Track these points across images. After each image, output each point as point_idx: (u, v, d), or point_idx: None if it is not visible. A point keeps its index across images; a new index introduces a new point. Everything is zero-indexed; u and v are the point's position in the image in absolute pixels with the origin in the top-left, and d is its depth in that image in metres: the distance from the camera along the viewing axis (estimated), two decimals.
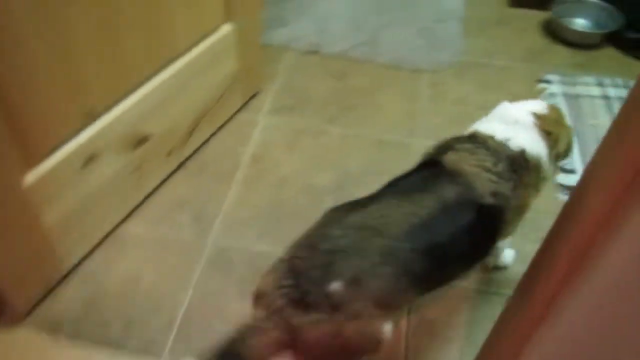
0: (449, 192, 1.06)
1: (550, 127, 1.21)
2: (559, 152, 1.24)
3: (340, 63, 2.32)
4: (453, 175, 1.09)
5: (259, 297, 1.00)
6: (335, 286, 0.94)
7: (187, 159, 1.81)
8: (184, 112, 1.68)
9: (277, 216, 1.68)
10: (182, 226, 1.62)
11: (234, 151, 1.87)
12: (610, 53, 2.44)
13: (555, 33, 2.50)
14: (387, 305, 0.99)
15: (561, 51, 2.44)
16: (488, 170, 1.09)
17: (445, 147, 1.18)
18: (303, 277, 0.96)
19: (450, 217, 1.04)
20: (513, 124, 1.18)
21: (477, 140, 1.17)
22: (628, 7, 2.47)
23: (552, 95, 2.16)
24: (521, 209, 1.19)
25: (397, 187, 1.11)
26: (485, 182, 1.08)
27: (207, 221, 1.63)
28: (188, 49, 1.59)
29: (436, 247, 1.02)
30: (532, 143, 1.17)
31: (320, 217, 1.07)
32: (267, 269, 1.03)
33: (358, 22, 2.52)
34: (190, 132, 1.74)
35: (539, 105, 1.25)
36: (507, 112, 1.22)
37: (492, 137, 1.16)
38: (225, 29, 1.73)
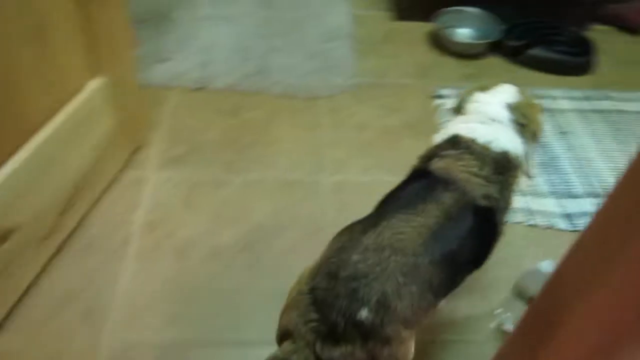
0: (448, 199, 1.07)
1: (526, 114, 1.23)
2: (536, 136, 1.27)
3: (230, 98, 2.14)
4: (446, 183, 1.10)
5: (285, 335, 0.99)
6: (364, 314, 0.93)
7: (68, 239, 1.55)
8: (56, 189, 1.42)
9: (184, 292, 1.47)
10: (70, 329, 1.36)
11: (123, 220, 1.63)
12: (495, 61, 2.49)
13: (442, 45, 2.51)
14: (414, 324, 0.99)
15: (450, 63, 2.45)
16: (476, 175, 1.11)
17: (430, 155, 1.18)
18: (329, 309, 0.94)
19: (455, 223, 1.05)
20: (492, 123, 1.20)
21: (460, 145, 1.16)
22: (508, 15, 2.54)
23: (448, 110, 2.14)
24: (508, 209, 1.19)
25: (399, 201, 1.10)
26: (476, 186, 1.10)
27: (99, 315, 1.39)
28: (49, 118, 1.34)
29: (449, 255, 1.02)
30: (513, 143, 1.19)
31: (332, 241, 1.07)
32: (287, 303, 1.02)
33: (244, 50, 2.35)
34: (66, 209, 1.48)
35: (510, 92, 1.26)
36: (484, 110, 1.22)
37: (474, 141, 1.16)
38: (93, 85, 1.49)
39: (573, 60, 2.45)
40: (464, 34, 2.59)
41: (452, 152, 1.15)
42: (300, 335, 0.95)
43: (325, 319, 0.93)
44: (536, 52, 2.44)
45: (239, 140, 1.96)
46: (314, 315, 0.94)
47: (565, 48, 2.45)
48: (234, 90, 2.17)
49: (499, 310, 1.44)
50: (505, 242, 1.21)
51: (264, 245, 1.61)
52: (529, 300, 1.36)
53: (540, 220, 1.75)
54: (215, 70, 2.22)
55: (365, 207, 1.16)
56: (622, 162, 2.02)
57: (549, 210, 1.79)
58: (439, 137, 1.23)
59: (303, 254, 1.34)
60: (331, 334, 0.93)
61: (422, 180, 1.14)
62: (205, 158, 1.88)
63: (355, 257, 0.97)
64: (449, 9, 2.56)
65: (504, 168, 1.15)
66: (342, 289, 0.94)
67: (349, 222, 1.11)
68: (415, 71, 2.38)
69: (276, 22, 2.55)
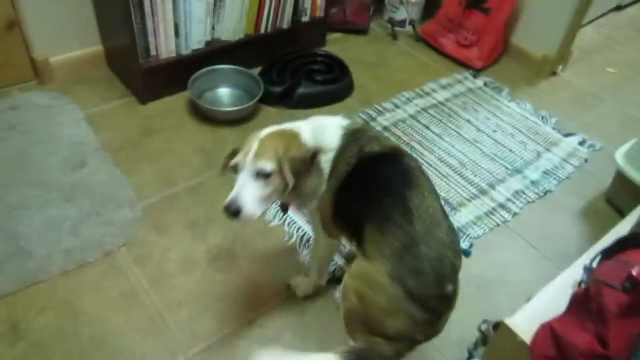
0: (414, 163, 1.33)
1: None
2: None
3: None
4: (400, 154, 1.33)
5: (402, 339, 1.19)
6: (449, 288, 1.21)
7: None
8: None
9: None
10: None
11: None
12: (269, 113, 2.30)
13: (208, 115, 2.20)
14: None
15: (227, 133, 2.17)
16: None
17: (359, 144, 1.30)
18: (427, 302, 1.17)
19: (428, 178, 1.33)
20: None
21: (360, 131, 1.34)
22: (252, 61, 2.36)
23: None
24: None
25: (396, 181, 1.26)
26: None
27: None
28: None
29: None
30: None
31: (385, 239, 1.20)
32: (386, 308, 1.16)
33: None
34: None
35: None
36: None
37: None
38: None
39: (340, 86, 2.42)
40: (226, 94, 2.32)
41: (365, 135, 1.33)
42: (414, 339, 1.21)
43: (430, 319, 1.18)
44: (303, 90, 2.33)
45: None
46: (422, 316, 1.16)
47: (326, 76, 2.40)
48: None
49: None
50: None
51: None
52: None
53: None
54: None
55: None
56: None
57: None
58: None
59: None
60: (434, 328, 1.23)
61: (378, 160, 1.30)
62: None
63: (423, 248, 1.17)
64: (200, 72, 2.25)
65: None
66: (430, 279, 1.17)
67: None
68: (200, 160, 2.04)
69: None
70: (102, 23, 2.27)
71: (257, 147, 1.24)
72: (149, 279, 1.63)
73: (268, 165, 1.22)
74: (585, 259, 1.38)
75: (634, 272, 1.06)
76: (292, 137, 1.29)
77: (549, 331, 1.15)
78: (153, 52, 2.17)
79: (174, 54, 2.21)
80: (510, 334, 1.21)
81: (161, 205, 1.86)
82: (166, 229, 1.78)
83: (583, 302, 1.14)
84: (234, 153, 1.30)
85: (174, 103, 2.28)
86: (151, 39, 2.13)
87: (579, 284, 1.30)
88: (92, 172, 1.93)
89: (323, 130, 1.33)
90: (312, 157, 1.28)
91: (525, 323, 1.22)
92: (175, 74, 2.25)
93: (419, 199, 1.23)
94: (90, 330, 1.48)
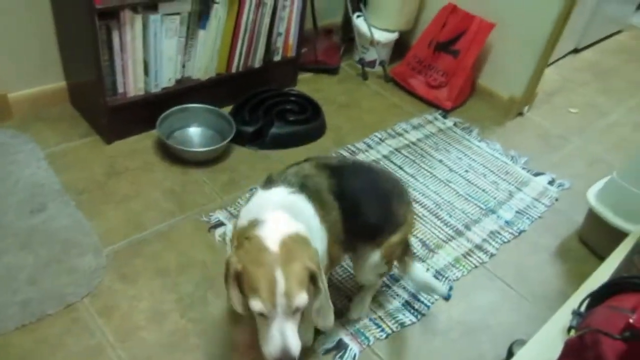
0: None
1: None
2: None
3: None
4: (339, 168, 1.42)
5: None
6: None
7: None
8: None
9: None
10: None
11: None
12: (241, 154, 2.24)
13: (178, 156, 2.12)
14: None
15: (199, 175, 2.09)
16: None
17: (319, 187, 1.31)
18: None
19: None
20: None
21: (306, 177, 1.32)
22: (223, 101, 2.31)
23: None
24: None
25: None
26: None
27: None
28: None
29: None
30: None
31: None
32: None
33: None
34: None
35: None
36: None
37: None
38: None
39: (313, 126, 2.39)
40: (197, 134, 2.25)
41: (312, 179, 1.32)
42: None
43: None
44: (276, 130, 2.29)
45: None
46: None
47: (299, 116, 2.37)
48: None
49: None
50: None
51: None
52: None
53: None
54: None
55: None
56: None
57: None
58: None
59: None
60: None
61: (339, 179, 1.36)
62: None
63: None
64: (169, 111, 2.17)
65: None
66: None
67: None
68: (170, 204, 1.95)
69: None
70: (67, 59, 2.18)
71: (284, 278, 1.05)
72: (116, 333, 1.51)
73: (305, 297, 1.07)
74: (572, 302, 1.36)
75: (632, 321, 1.03)
76: (305, 243, 1.15)
77: None
78: (120, 90, 2.09)
79: (142, 92, 2.14)
80: None
81: (128, 252, 1.74)
82: (134, 278, 1.67)
83: (579, 351, 1.11)
84: (237, 272, 1.10)
85: (141, 143, 2.19)
86: (119, 77, 2.05)
87: (569, 329, 1.28)
88: (52, 216, 1.81)
89: (297, 210, 1.22)
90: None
91: None
92: (143, 113, 2.17)
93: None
94: None
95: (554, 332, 1.30)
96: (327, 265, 1.34)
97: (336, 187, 1.33)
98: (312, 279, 1.13)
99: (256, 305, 1.05)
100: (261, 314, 1.06)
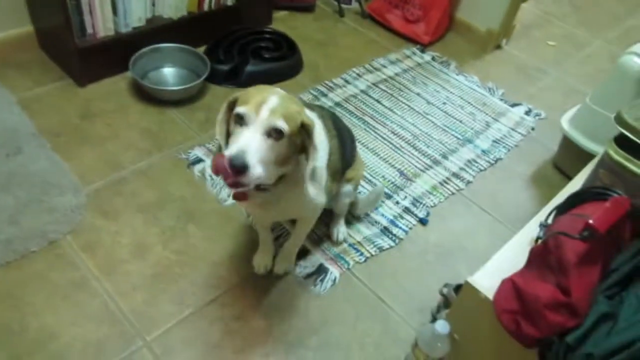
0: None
1: None
2: None
3: None
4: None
5: None
6: None
7: None
8: None
9: None
10: None
11: None
12: (217, 92, 2.22)
13: (153, 95, 2.11)
14: None
15: (174, 115, 2.08)
16: None
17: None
18: None
19: None
20: None
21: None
22: (197, 40, 2.27)
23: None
24: None
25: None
26: None
27: None
28: None
29: None
30: None
31: None
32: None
33: None
34: None
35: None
36: None
37: None
38: None
39: (289, 63, 2.37)
40: (171, 74, 2.23)
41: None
42: None
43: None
44: (252, 68, 2.27)
45: None
46: None
47: (275, 53, 2.35)
48: None
49: None
50: None
51: None
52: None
53: None
54: None
55: None
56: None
57: None
58: None
59: None
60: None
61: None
62: None
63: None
64: (142, 51, 2.14)
65: None
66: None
67: None
68: (147, 143, 1.95)
69: None
70: (32, 2, 2.12)
71: (275, 103, 1.09)
72: (99, 266, 1.54)
73: (286, 126, 1.08)
74: (540, 217, 1.41)
75: (591, 221, 1.08)
76: (301, 108, 1.17)
77: (510, 285, 1.16)
78: (90, 31, 2.04)
79: (112, 32, 2.10)
80: (473, 292, 1.22)
81: (108, 191, 1.76)
82: (115, 214, 1.69)
83: (542, 256, 1.16)
84: (234, 102, 1.14)
85: (116, 85, 2.17)
86: (87, 17, 2.00)
87: (536, 240, 1.33)
88: (29, 158, 1.81)
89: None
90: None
91: (486, 281, 1.23)
92: (115, 54, 2.13)
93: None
94: (38, 322, 1.39)
95: (521, 244, 1.36)
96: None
97: (333, 123, 1.43)
98: (307, 132, 1.15)
99: (240, 109, 1.08)
100: (241, 118, 1.08)
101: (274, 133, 1.07)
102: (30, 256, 1.54)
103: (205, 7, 2.33)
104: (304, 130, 1.15)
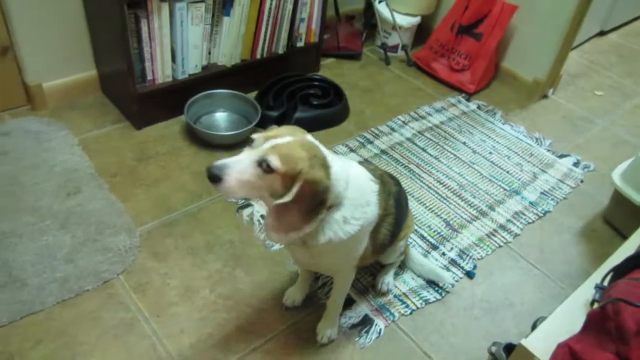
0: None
1: None
2: None
3: None
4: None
5: None
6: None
7: None
8: None
9: None
10: None
11: None
12: None
13: (205, 140, 2.18)
14: None
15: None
16: None
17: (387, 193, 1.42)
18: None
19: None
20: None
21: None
22: (248, 86, 2.36)
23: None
24: None
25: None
26: None
27: None
28: None
29: None
30: None
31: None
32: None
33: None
34: None
35: None
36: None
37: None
38: None
39: (336, 110, 2.43)
40: (223, 118, 2.31)
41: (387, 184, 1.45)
42: None
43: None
44: (300, 114, 2.33)
45: None
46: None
47: (322, 100, 2.40)
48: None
49: None
50: None
51: None
52: None
53: None
54: None
55: None
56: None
57: None
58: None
59: None
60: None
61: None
62: None
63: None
64: (196, 96, 2.23)
65: None
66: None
67: None
68: (198, 186, 2.01)
69: None
70: (97, 48, 2.25)
71: (283, 142, 1.13)
72: (149, 308, 1.58)
73: (278, 164, 1.11)
74: (595, 278, 1.37)
75: None
76: (323, 166, 1.16)
77: (567, 351, 1.13)
78: (149, 77, 2.15)
79: (170, 79, 2.20)
80: (527, 355, 1.19)
81: (159, 232, 1.81)
82: (165, 256, 1.74)
83: (600, 322, 1.13)
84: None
85: (170, 128, 2.26)
86: (147, 64, 2.12)
87: (592, 303, 1.29)
88: (87, 198, 1.89)
89: (362, 183, 1.28)
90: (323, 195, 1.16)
91: (541, 344, 1.20)
92: (171, 99, 2.23)
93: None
94: None
95: (576, 306, 1.32)
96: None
97: (397, 194, 1.46)
98: (310, 184, 1.14)
99: (255, 135, 1.17)
100: (251, 142, 1.16)
101: (264, 165, 1.12)
102: (84, 295, 1.59)
103: (258, 55, 2.42)
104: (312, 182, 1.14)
